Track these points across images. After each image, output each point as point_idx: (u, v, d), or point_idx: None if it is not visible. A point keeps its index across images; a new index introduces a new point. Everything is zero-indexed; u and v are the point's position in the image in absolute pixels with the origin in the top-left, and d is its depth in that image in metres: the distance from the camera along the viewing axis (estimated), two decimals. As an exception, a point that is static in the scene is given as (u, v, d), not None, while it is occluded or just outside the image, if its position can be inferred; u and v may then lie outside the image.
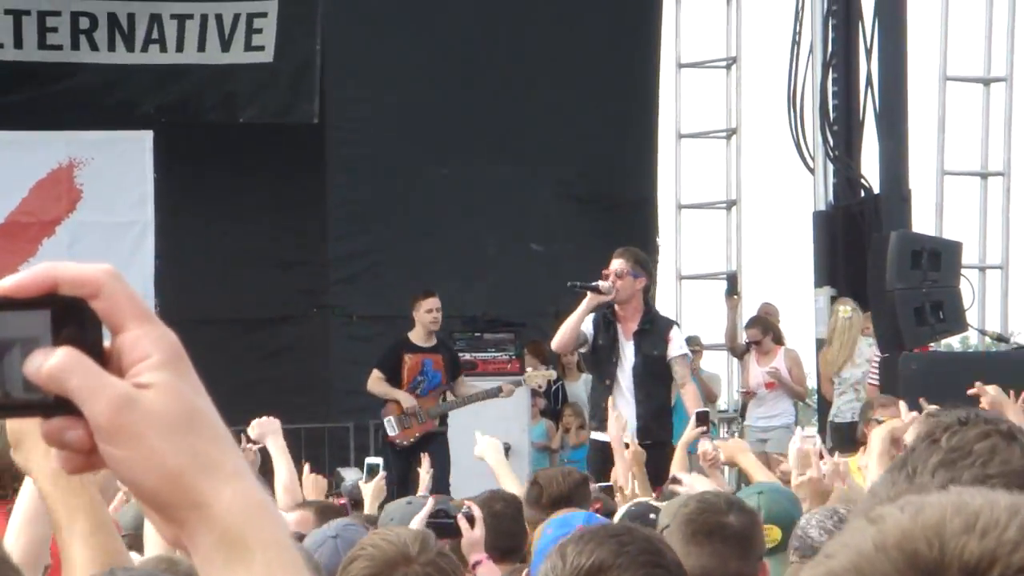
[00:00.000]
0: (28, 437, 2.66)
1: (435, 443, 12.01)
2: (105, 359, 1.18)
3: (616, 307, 9.90)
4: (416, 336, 12.41)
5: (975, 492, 1.11)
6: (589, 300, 9.83)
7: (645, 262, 10.45)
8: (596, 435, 9.89)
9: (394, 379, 12.37)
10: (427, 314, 12.32)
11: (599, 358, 10.07)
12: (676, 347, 10.10)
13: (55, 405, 1.16)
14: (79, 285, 1.17)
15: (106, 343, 1.19)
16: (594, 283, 9.82)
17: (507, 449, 13.28)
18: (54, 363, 1.15)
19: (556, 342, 10.12)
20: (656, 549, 3.06)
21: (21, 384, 1.16)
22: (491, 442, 7.57)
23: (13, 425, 2.68)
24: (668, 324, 10.40)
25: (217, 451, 1.18)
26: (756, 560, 4.05)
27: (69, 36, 14.58)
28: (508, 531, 5.80)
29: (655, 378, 10.01)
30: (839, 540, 1.12)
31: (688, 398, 9.95)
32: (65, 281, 1.17)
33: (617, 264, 9.93)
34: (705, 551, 3.97)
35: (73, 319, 1.17)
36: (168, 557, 4.41)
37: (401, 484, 10.58)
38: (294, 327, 15.31)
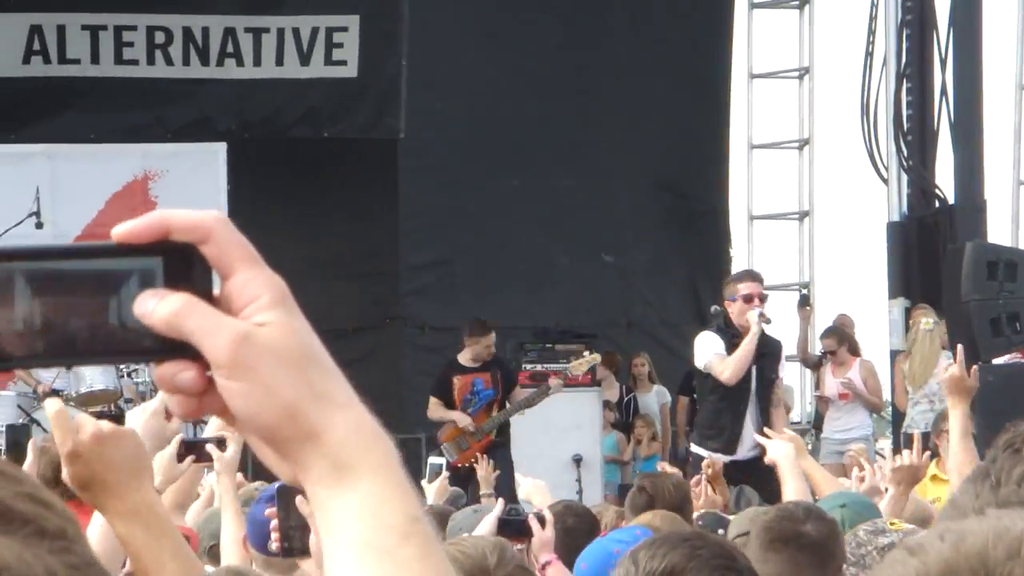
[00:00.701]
0: (95, 481, 2.62)
1: (496, 456, 12.02)
2: (215, 305, 1.21)
3: (741, 331, 9.84)
4: (464, 357, 12.45)
5: (1016, 515, 1.10)
6: (759, 328, 9.82)
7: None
8: (712, 454, 9.59)
9: (447, 403, 12.42)
10: (484, 348, 12.38)
11: (739, 382, 9.88)
12: (782, 367, 10.17)
13: (168, 348, 1.19)
14: (190, 230, 1.20)
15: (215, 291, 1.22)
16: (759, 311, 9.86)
17: (579, 461, 13.31)
18: (170, 307, 1.18)
19: (732, 375, 9.86)
20: (728, 553, 3.07)
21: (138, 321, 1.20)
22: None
23: (79, 470, 2.63)
24: (779, 345, 10.37)
25: (330, 384, 1.22)
26: (834, 571, 4.02)
27: (145, 51, 14.72)
28: (580, 548, 5.76)
29: (767, 401, 10.04)
30: (881, 572, 1.10)
31: (780, 421, 9.95)
32: (176, 227, 1.20)
33: (757, 288, 9.92)
34: (782, 558, 3.96)
35: (184, 265, 1.20)
36: (237, 568, 4.44)
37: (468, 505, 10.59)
38: (366, 338, 15.37)
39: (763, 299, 9.86)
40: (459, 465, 11.91)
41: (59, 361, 1.25)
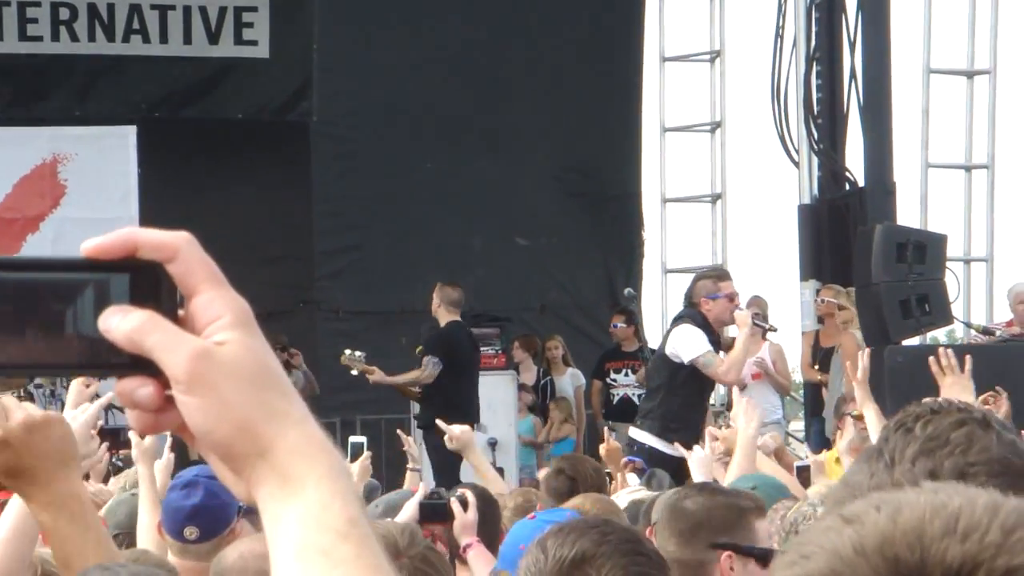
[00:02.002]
0: (25, 471, 2.57)
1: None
2: (180, 323, 1.24)
3: (715, 328, 9.85)
4: None
5: (952, 489, 1.10)
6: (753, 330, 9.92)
7: None
8: (669, 449, 9.53)
9: None
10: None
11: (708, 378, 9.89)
12: None
13: (130, 364, 1.22)
14: (157, 249, 1.24)
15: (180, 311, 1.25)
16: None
17: (493, 444, 13.31)
18: (133, 324, 1.21)
19: (737, 374, 9.89)
20: (636, 539, 3.11)
21: (95, 328, 1.22)
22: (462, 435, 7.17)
23: (7, 458, 2.58)
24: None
25: (285, 402, 1.25)
26: (708, 548, 3.97)
27: (49, 27, 14.53)
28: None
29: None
30: (814, 539, 1.09)
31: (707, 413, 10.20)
32: (144, 245, 1.23)
33: (733, 287, 9.99)
34: (658, 532, 4.02)
35: (150, 282, 1.23)
36: (142, 550, 4.44)
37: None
38: (280, 322, 15.26)
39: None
40: None
41: (18, 372, 1.27)
